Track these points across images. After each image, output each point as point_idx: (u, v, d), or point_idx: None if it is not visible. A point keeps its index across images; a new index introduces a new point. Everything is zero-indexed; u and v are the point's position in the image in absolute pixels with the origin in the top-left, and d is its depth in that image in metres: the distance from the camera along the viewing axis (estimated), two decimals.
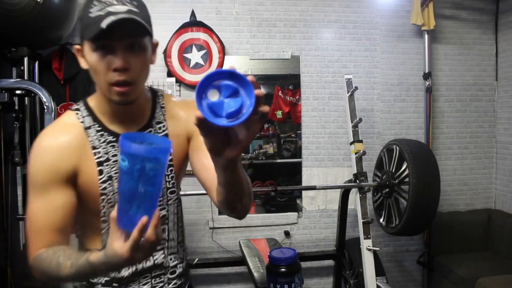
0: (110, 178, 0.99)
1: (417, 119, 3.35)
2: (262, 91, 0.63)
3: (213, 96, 0.64)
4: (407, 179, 2.43)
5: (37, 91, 2.31)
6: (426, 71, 3.25)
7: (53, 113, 2.28)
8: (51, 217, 0.94)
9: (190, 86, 3.09)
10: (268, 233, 3.21)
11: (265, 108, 0.64)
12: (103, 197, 0.98)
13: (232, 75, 0.64)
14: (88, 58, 0.91)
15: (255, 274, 2.27)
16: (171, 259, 1.11)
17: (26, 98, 2.62)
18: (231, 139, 0.69)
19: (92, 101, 1.02)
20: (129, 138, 0.73)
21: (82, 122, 0.99)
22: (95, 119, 1.00)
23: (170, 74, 3.02)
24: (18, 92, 2.35)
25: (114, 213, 0.77)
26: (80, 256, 0.89)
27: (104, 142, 0.99)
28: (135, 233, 0.74)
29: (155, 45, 1.00)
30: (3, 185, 2.57)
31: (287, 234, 3.23)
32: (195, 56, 3.04)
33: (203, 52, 3.04)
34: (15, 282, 2.54)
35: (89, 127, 0.99)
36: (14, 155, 2.47)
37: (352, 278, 2.97)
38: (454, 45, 3.40)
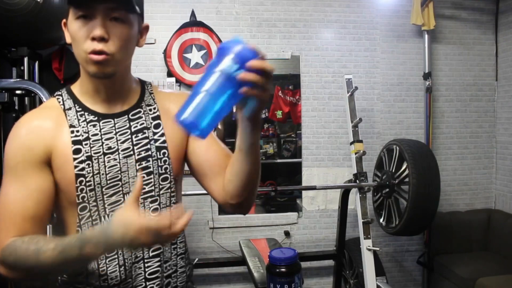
0: (89, 158, 0.90)
1: (417, 119, 3.35)
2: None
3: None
4: (407, 179, 2.43)
5: (37, 91, 2.30)
6: (426, 71, 3.25)
7: None
8: (25, 202, 0.87)
9: (190, 86, 3.09)
10: (268, 233, 3.21)
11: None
12: (80, 178, 0.89)
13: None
14: (70, 27, 0.89)
15: (255, 274, 2.27)
16: (166, 267, 0.99)
17: (26, 98, 2.62)
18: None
19: (75, 86, 0.98)
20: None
21: (62, 105, 0.95)
22: (76, 100, 0.95)
23: (170, 74, 3.02)
24: (18, 92, 2.35)
25: (139, 184, 0.79)
26: (64, 238, 0.82)
27: (84, 121, 0.93)
28: (182, 222, 0.74)
29: (144, 28, 0.96)
30: None
31: (287, 234, 3.22)
32: (195, 56, 3.04)
33: (203, 52, 3.04)
34: (15, 282, 2.54)
35: (69, 109, 0.94)
36: None
37: (352, 278, 2.97)
38: (454, 45, 3.40)
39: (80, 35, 0.86)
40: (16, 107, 2.50)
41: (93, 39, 0.84)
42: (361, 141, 2.65)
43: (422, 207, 2.40)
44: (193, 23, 3.03)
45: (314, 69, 3.24)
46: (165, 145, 0.97)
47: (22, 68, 2.53)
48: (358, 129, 2.68)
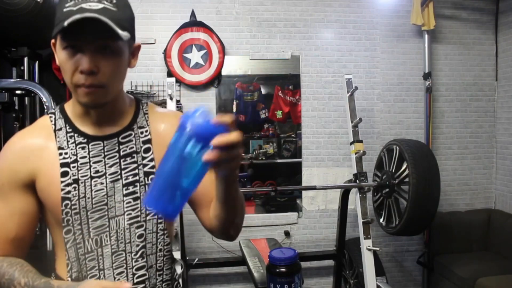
0: (75, 181, 0.90)
1: (417, 119, 3.35)
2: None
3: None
4: (407, 179, 2.43)
5: (37, 91, 2.30)
6: (426, 71, 3.25)
7: None
8: (6, 224, 0.89)
9: (190, 86, 3.09)
10: (268, 233, 3.21)
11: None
12: (66, 202, 0.89)
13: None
14: (58, 55, 0.85)
15: (255, 274, 2.27)
16: None
17: (26, 98, 2.62)
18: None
19: (68, 105, 0.96)
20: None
21: (53, 124, 0.94)
22: (67, 120, 0.94)
23: (170, 74, 3.02)
24: (18, 92, 2.35)
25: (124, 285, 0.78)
26: (37, 277, 0.85)
27: (73, 143, 0.92)
28: None
29: (135, 48, 0.94)
30: None
31: (287, 234, 3.22)
32: (195, 56, 3.04)
33: (203, 52, 3.04)
34: None
35: (59, 129, 0.93)
36: None
37: (352, 278, 2.97)
38: (454, 45, 3.40)
39: (68, 67, 0.82)
40: (16, 107, 2.50)
41: (81, 72, 0.81)
42: (361, 141, 2.65)
43: (422, 207, 2.40)
44: (193, 23, 3.03)
45: (314, 69, 3.24)
46: (154, 170, 0.95)
47: (22, 68, 2.53)
48: (358, 129, 2.68)
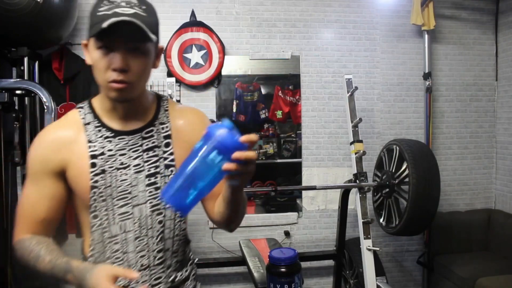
0: (103, 171, 0.99)
1: (417, 119, 3.35)
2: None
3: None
4: (407, 179, 2.43)
5: (37, 91, 2.31)
6: (426, 71, 3.25)
7: (53, 113, 2.28)
8: (37, 206, 1.00)
9: (190, 86, 3.09)
10: (268, 233, 3.21)
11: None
12: (94, 190, 0.99)
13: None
14: (91, 54, 0.94)
15: (255, 274, 2.27)
16: (170, 274, 1.08)
17: (26, 98, 2.62)
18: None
19: (96, 100, 1.06)
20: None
21: (83, 118, 1.03)
22: (95, 116, 1.03)
23: (170, 74, 3.02)
24: (18, 92, 2.35)
25: (134, 276, 0.87)
26: (60, 256, 0.95)
27: (101, 137, 1.01)
28: None
29: (159, 50, 1.03)
30: (3, 185, 2.56)
31: (287, 234, 3.23)
32: (195, 56, 3.04)
33: (203, 52, 3.04)
34: (15, 282, 2.54)
35: (88, 123, 1.02)
36: (14, 155, 2.47)
37: (352, 278, 2.97)
38: (454, 45, 3.40)
39: (102, 65, 0.92)
40: (16, 107, 2.50)
41: (114, 69, 0.91)
42: (361, 141, 2.65)
43: (422, 207, 2.40)
44: (193, 23, 3.03)
45: (314, 69, 3.24)
46: (173, 163, 1.05)
47: (22, 68, 2.53)
48: (358, 129, 2.68)
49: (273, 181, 3.35)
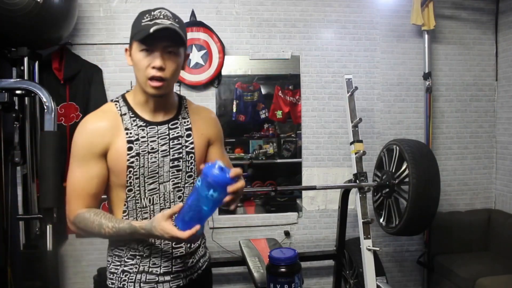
0: (137, 154, 1.20)
1: (417, 119, 3.35)
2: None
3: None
4: (407, 179, 2.43)
5: (37, 91, 2.31)
6: (426, 71, 3.25)
7: (53, 113, 2.28)
8: (89, 183, 1.18)
9: (190, 86, 3.09)
10: (268, 233, 3.21)
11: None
12: (130, 169, 1.19)
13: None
14: (134, 56, 1.17)
15: (255, 274, 2.27)
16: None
17: (26, 98, 2.62)
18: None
19: (129, 95, 1.27)
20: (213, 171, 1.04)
21: (119, 110, 1.23)
22: (130, 108, 1.24)
23: None
24: (18, 92, 2.35)
25: (177, 207, 1.07)
26: (120, 221, 1.15)
27: (135, 126, 1.22)
28: (188, 232, 1.04)
29: (187, 56, 1.27)
30: (3, 185, 2.56)
31: (287, 234, 3.23)
32: (195, 56, 3.04)
33: (203, 52, 3.04)
34: (15, 282, 2.54)
35: (124, 114, 1.23)
36: (14, 155, 2.47)
37: (352, 278, 2.97)
38: (454, 45, 3.40)
39: (143, 64, 1.15)
40: (16, 107, 2.50)
41: (153, 67, 1.14)
42: (361, 141, 2.65)
43: (422, 207, 2.39)
44: (193, 23, 3.03)
45: (314, 69, 3.24)
46: (193, 151, 1.29)
47: (22, 68, 2.53)
48: (358, 129, 2.68)
49: (273, 181, 3.36)
